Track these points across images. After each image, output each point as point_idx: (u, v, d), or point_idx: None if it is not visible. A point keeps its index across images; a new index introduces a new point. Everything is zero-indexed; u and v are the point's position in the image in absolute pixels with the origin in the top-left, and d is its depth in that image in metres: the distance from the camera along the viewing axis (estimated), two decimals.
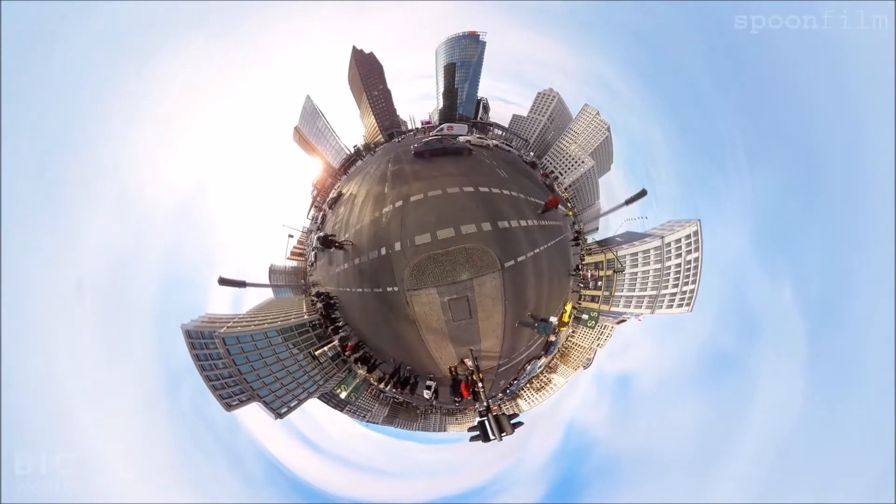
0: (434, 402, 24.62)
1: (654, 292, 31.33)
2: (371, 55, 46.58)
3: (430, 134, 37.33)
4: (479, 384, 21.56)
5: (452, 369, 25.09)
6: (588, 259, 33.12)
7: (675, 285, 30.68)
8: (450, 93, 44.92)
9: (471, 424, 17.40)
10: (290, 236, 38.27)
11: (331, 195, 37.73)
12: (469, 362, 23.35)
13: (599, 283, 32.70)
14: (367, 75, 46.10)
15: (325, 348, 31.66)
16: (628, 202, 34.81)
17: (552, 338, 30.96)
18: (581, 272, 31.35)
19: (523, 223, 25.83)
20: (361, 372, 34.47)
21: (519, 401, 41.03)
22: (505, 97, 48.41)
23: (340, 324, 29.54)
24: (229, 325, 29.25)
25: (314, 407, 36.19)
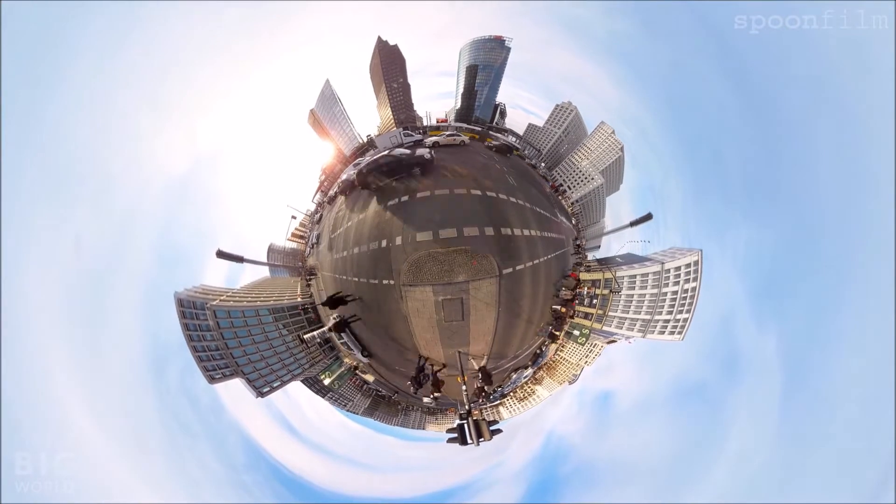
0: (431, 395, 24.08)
1: (648, 317, 31.33)
2: (395, 47, 46.55)
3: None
4: (463, 387, 21.59)
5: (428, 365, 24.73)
6: (586, 276, 33.12)
7: (670, 312, 30.68)
8: (469, 94, 44.96)
9: (450, 426, 17.39)
10: (294, 217, 38.29)
11: (333, 189, 37.75)
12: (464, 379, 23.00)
13: (594, 301, 32.71)
14: (389, 67, 46.08)
15: (315, 333, 31.69)
16: (633, 224, 34.81)
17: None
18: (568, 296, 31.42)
19: (526, 232, 25.86)
20: (348, 360, 34.51)
21: (501, 408, 41.05)
22: (524, 105, 48.37)
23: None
24: (222, 298, 29.27)
25: (297, 391, 36.28)
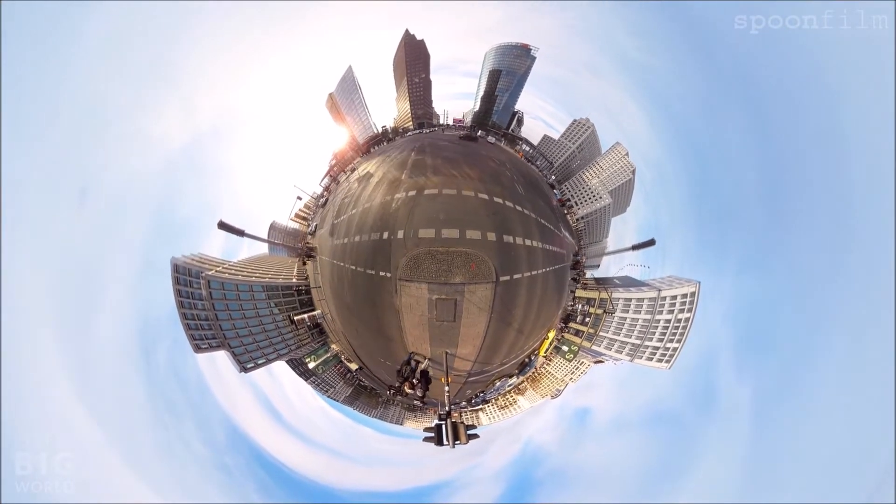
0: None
1: (638, 342, 31.33)
2: (421, 43, 46.57)
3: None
4: (446, 388, 21.57)
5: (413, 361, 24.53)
6: (581, 293, 33.13)
7: (660, 340, 30.67)
8: (488, 98, 44.93)
9: (428, 425, 17.39)
10: (299, 198, 38.33)
11: (349, 168, 37.78)
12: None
13: (587, 320, 32.71)
14: (413, 61, 46.09)
15: (306, 316, 31.69)
16: (635, 248, 34.75)
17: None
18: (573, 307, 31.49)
19: (528, 242, 25.82)
20: (335, 347, 34.53)
21: (480, 414, 41.06)
22: (542, 116, 48.51)
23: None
24: (218, 269, 29.24)
25: (282, 373, 36.32)
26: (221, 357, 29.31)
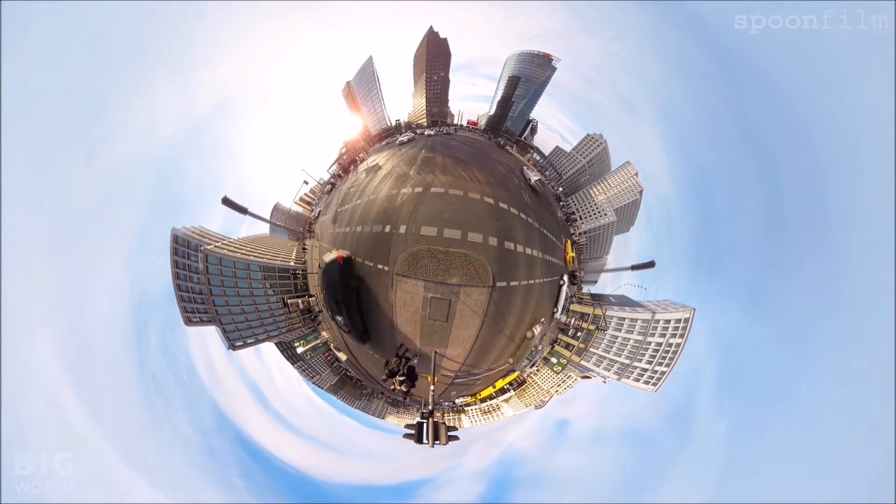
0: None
1: (627, 361, 31.31)
2: (444, 41, 46.58)
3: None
4: (431, 387, 21.59)
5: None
6: (576, 308, 33.12)
7: (650, 362, 30.66)
8: (505, 103, 44.96)
9: (410, 422, 17.42)
10: (305, 182, 38.31)
11: (360, 158, 37.76)
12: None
13: (578, 334, 32.70)
14: (434, 59, 46.10)
15: (299, 300, 31.64)
16: (635, 268, 34.81)
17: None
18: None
19: (529, 251, 25.85)
20: (325, 334, 34.51)
21: (463, 416, 41.04)
22: (558, 128, 48.60)
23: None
24: (217, 244, 29.19)
25: (270, 357, 36.19)
26: (214, 344, 29.32)
